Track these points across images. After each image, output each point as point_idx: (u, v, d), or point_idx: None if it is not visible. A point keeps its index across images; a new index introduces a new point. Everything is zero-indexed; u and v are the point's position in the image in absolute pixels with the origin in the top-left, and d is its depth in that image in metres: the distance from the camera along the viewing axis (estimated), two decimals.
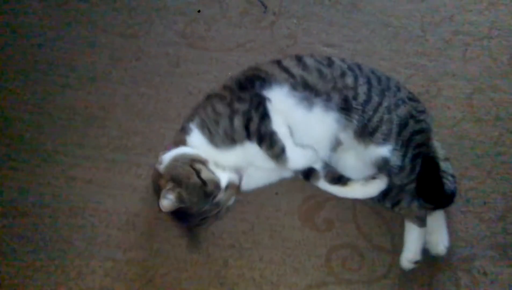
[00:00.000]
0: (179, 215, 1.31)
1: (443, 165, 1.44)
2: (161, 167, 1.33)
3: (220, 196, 1.31)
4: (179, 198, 1.25)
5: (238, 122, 1.36)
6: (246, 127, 1.35)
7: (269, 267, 1.42)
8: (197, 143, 1.38)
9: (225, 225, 1.46)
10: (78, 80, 1.77)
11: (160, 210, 1.26)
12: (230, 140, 1.36)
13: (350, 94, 1.41)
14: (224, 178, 1.32)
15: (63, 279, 1.39)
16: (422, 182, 1.38)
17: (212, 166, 1.33)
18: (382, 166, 1.40)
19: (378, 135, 1.39)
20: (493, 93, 1.76)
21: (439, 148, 1.49)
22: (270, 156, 1.36)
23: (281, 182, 1.54)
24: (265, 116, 1.36)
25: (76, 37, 1.87)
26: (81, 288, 1.37)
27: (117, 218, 1.49)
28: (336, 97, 1.40)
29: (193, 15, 1.94)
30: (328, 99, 1.40)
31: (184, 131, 1.42)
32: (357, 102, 1.40)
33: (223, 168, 1.35)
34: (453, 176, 1.43)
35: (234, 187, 1.35)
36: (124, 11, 1.95)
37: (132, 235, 1.46)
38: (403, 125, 1.39)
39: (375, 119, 1.39)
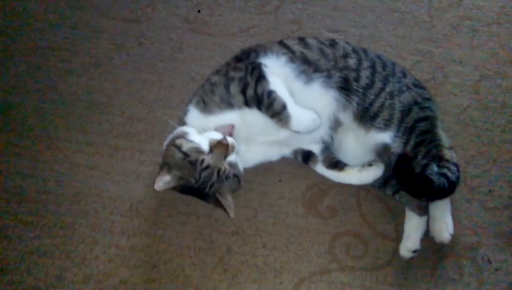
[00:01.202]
0: (192, 193, 1.35)
1: (448, 153, 1.41)
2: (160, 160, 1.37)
3: (207, 158, 1.30)
4: (175, 177, 1.29)
5: (234, 87, 1.36)
6: (243, 93, 1.35)
7: (273, 254, 1.42)
8: (192, 119, 1.41)
9: None
10: (80, 65, 1.75)
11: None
12: (226, 104, 1.37)
13: (351, 75, 1.40)
14: (202, 141, 1.32)
15: (67, 264, 1.39)
16: (402, 182, 1.32)
17: (193, 136, 1.33)
18: (383, 153, 1.39)
19: (379, 120, 1.38)
20: (501, 80, 1.74)
21: (444, 137, 1.45)
22: (270, 116, 1.34)
23: (285, 169, 1.54)
24: (261, 78, 1.35)
25: (78, 22, 1.85)
26: (85, 273, 1.38)
27: (120, 204, 1.48)
28: (336, 76, 1.39)
29: (196, 0, 1.91)
30: (328, 76, 1.39)
31: (182, 112, 1.45)
32: (358, 85, 1.39)
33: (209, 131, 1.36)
34: (456, 165, 1.39)
35: (221, 146, 1.31)
36: None
37: (136, 222, 1.46)
38: (406, 112, 1.38)
39: (377, 104, 1.38)
